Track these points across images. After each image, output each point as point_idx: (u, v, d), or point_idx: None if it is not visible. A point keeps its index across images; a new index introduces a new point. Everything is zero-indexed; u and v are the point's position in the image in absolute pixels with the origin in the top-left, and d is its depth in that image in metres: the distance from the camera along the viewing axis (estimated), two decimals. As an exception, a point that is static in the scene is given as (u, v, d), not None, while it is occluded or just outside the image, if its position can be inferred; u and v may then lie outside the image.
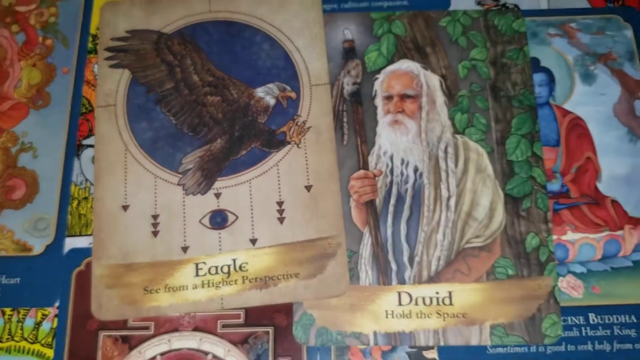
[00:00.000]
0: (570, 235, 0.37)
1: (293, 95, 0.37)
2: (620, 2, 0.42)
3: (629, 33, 0.41)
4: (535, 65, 0.40)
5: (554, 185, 0.38)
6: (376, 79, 0.39)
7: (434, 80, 0.39)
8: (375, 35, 0.40)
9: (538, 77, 0.40)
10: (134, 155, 0.34)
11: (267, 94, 0.36)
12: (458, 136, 0.38)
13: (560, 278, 0.36)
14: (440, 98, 0.38)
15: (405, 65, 0.39)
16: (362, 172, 0.37)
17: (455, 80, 0.39)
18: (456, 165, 0.37)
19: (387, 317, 0.34)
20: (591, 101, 0.40)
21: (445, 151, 0.37)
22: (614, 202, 0.38)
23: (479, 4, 0.42)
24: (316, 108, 0.37)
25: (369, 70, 0.39)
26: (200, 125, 0.34)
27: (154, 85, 0.35)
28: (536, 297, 0.35)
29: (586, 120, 0.39)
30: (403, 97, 0.38)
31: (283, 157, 0.36)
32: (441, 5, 0.42)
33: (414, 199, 0.36)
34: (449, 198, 0.36)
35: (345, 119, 0.38)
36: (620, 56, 0.40)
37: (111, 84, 0.36)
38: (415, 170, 0.37)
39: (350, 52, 0.40)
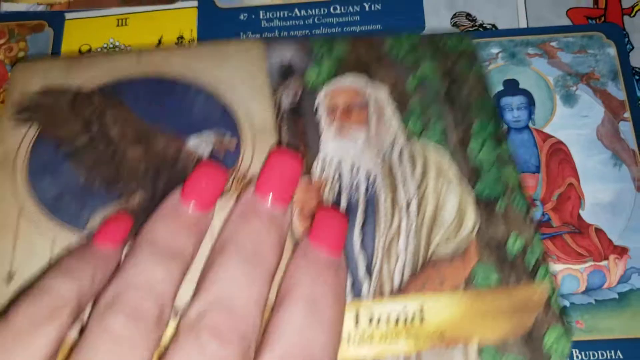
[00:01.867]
0: (551, 267, 0.35)
1: (232, 145, 0.35)
2: (602, 19, 0.40)
3: (612, 51, 0.39)
4: (514, 87, 0.39)
5: (534, 215, 0.36)
6: (318, 93, 0.35)
7: (382, 92, 0.36)
8: (316, 54, 0.37)
9: (517, 100, 0.39)
10: (31, 215, 0.32)
11: (200, 144, 0.33)
12: (414, 140, 0.34)
13: (542, 312, 0.34)
14: (389, 106, 0.36)
15: (351, 77, 0.36)
16: (306, 181, 0.33)
17: (406, 93, 0.35)
18: (414, 168, 0.34)
19: (342, 342, 0.28)
20: (573, 124, 0.38)
21: (401, 154, 0.34)
22: (598, 231, 0.36)
23: (454, 25, 0.41)
24: (259, 161, 0.34)
25: (310, 86, 0.35)
26: (116, 180, 0.32)
27: (66, 140, 0.33)
28: (531, 308, 0.30)
29: (568, 144, 0.37)
30: (349, 108, 0.35)
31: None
32: (415, 27, 0.41)
33: (367, 204, 0.32)
34: (408, 202, 0.33)
35: (285, 133, 0.35)
36: (603, 75, 0.39)
37: (13, 141, 0.33)
38: (368, 175, 0.33)
39: (288, 71, 0.37)
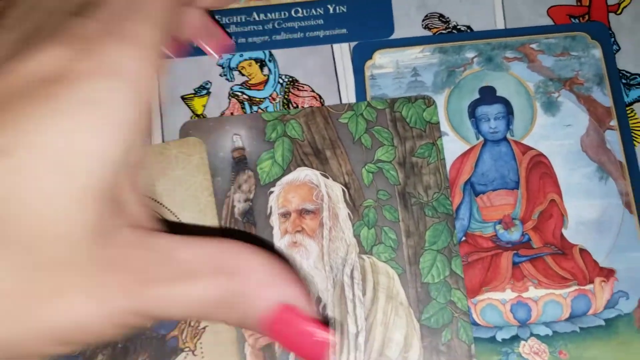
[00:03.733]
0: (532, 292, 0.33)
1: None
2: (587, 17, 0.37)
3: (597, 52, 0.36)
4: (491, 95, 0.36)
5: (513, 235, 0.33)
6: (271, 192, 0.34)
7: (336, 189, 0.34)
8: (268, 140, 0.35)
9: (494, 109, 0.35)
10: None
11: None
12: (365, 256, 0.33)
13: (522, 342, 0.32)
14: (343, 210, 0.34)
15: (304, 174, 0.34)
16: None
17: (360, 188, 0.34)
18: (364, 293, 0.32)
19: None
20: (555, 134, 0.35)
21: (352, 276, 0.33)
22: (583, 251, 0.33)
23: (426, 27, 0.38)
24: None
25: (263, 182, 0.34)
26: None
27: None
28: None
29: (550, 156, 0.34)
30: (302, 212, 0.34)
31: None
32: (384, 34, 0.37)
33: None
34: (357, 334, 0.32)
35: None
36: (588, 80, 0.36)
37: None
38: (318, 302, 0.32)
39: (240, 163, 0.35)
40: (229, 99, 0.37)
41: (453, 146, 0.35)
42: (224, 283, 0.19)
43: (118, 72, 0.17)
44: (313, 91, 0.37)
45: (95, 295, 0.17)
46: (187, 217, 0.33)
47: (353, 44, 0.37)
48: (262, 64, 0.37)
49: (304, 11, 0.38)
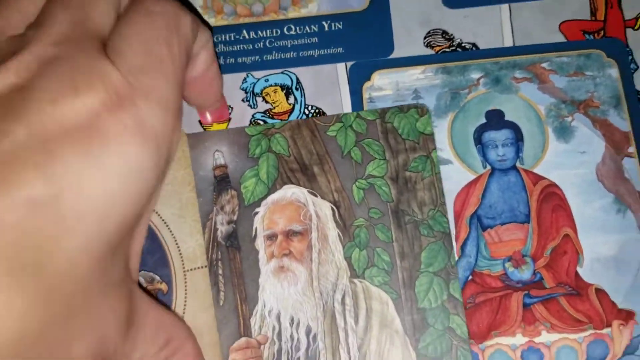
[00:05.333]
0: (545, 337, 0.30)
1: (164, 287, 0.30)
2: (602, 33, 0.34)
3: (614, 72, 0.33)
4: (499, 119, 0.33)
5: (524, 273, 0.31)
6: (256, 213, 0.32)
7: (325, 208, 0.32)
8: (252, 156, 0.33)
9: (502, 135, 0.33)
10: None
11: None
12: (357, 281, 0.31)
13: (534, 392, 0.29)
14: (333, 231, 0.31)
15: (290, 192, 0.32)
16: (243, 340, 0.30)
17: (350, 207, 0.32)
18: (357, 321, 0.30)
19: None
20: (569, 162, 0.32)
21: (343, 302, 0.30)
22: (599, 291, 0.30)
23: (428, 45, 0.35)
24: (193, 303, 0.30)
25: (247, 202, 0.32)
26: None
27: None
28: None
29: (563, 187, 0.32)
30: (289, 234, 0.31)
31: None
32: (383, 52, 0.35)
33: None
34: None
35: (220, 271, 0.31)
36: (604, 102, 0.33)
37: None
38: (308, 331, 0.30)
39: (223, 182, 0.32)
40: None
41: (458, 176, 0.32)
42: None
43: (146, 134, 0.19)
44: (307, 116, 0.34)
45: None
46: (167, 214, 0.32)
47: (350, 63, 0.35)
48: (288, 90, 0.35)
49: (297, 29, 0.36)
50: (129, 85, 0.19)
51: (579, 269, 0.31)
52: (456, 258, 0.31)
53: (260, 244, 0.32)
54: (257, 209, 0.32)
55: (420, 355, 0.30)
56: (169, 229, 0.31)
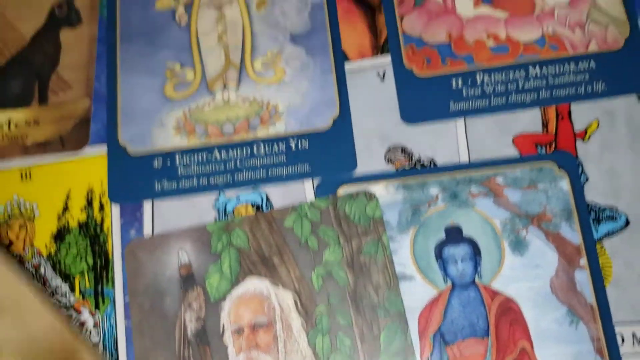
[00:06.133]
0: None
1: None
2: (553, 145, 0.36)
3: (565, 184, 0.35)
4: (457, 235, 0.35)
5: (484, 388, 0.33)
6: (222, 309, 0.34)
7: (287, 299, 0.34)
8: (215, 252, 0.35)
9: (461, 250, 0.35)
10: None
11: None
12: None
13: None
14: (296, 321, 0.33)
15: (253, 286, 0.34)
16: None
17: (311, 294, 0.34)
18: None
19: None
20: (524, 275, 0.34)
21: None
22: (556, 403, 0.32)
23: (389, 161, 0.37)
24: None
25: (213, 298, 0.34)
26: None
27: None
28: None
29: (519, 300, 0.34)
30: (254, 327, 0.33)
31: None
32: (347, 167, 0.37)
33: None
34: None
35: None
36: (556, 215, 0.35)
37: None
38: None
39: (188, 280, 0.34)
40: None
41: (422, 291, 0.34)
42: None
43: None
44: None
45: None
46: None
47: (317, 180, 0.37)
48: (258, 208, 0.37)
49: (266, 148, 0.38)
50: None
51: (535, 382, 0.33)
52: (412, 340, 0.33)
53: (228, 338, 0.33)
54: (222, 304, 0.34)
55: None
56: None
